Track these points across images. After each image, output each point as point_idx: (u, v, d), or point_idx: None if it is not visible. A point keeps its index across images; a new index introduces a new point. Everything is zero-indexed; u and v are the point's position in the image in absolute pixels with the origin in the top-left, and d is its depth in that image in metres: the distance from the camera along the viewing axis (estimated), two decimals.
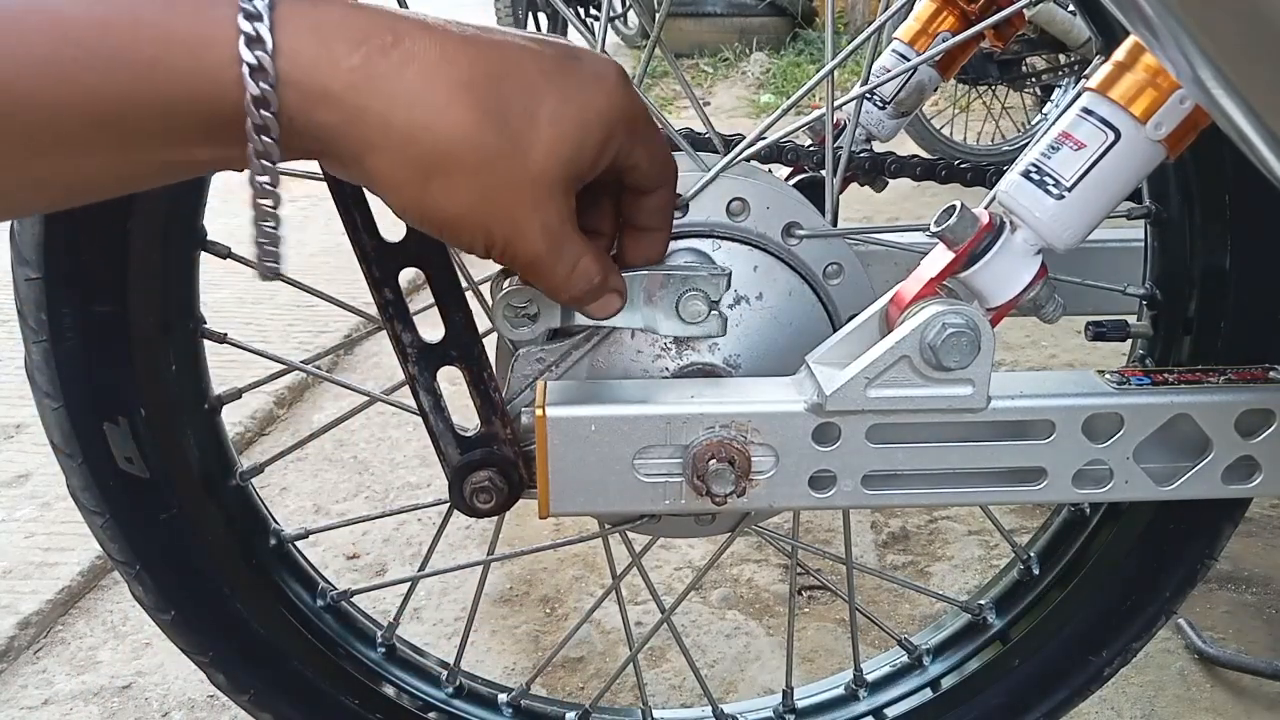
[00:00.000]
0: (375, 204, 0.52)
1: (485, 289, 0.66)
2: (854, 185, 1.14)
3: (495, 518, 0.65)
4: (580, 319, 0.58)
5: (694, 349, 0.63)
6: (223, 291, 2.19)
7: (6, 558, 1.35)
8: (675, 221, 0.63)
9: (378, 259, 0.55)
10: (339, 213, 0.54)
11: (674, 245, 0.63)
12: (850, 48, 0.69)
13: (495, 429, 0.59)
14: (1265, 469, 0.60)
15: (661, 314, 0.58)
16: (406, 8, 0.48)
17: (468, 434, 0.60)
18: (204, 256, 0.68)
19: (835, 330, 0.64)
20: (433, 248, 0.56)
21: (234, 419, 1.63)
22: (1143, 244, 0.73)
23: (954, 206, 0.56)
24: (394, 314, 0.56)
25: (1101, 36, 0.66)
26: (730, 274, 0.58)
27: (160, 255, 0.64)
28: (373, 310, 0.59)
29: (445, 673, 0.83)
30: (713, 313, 0.58)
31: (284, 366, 0.75)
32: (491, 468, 0.60)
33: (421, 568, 0.84)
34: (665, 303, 0.58)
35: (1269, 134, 0.38)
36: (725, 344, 0.63)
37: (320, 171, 0.50)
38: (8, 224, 0.60)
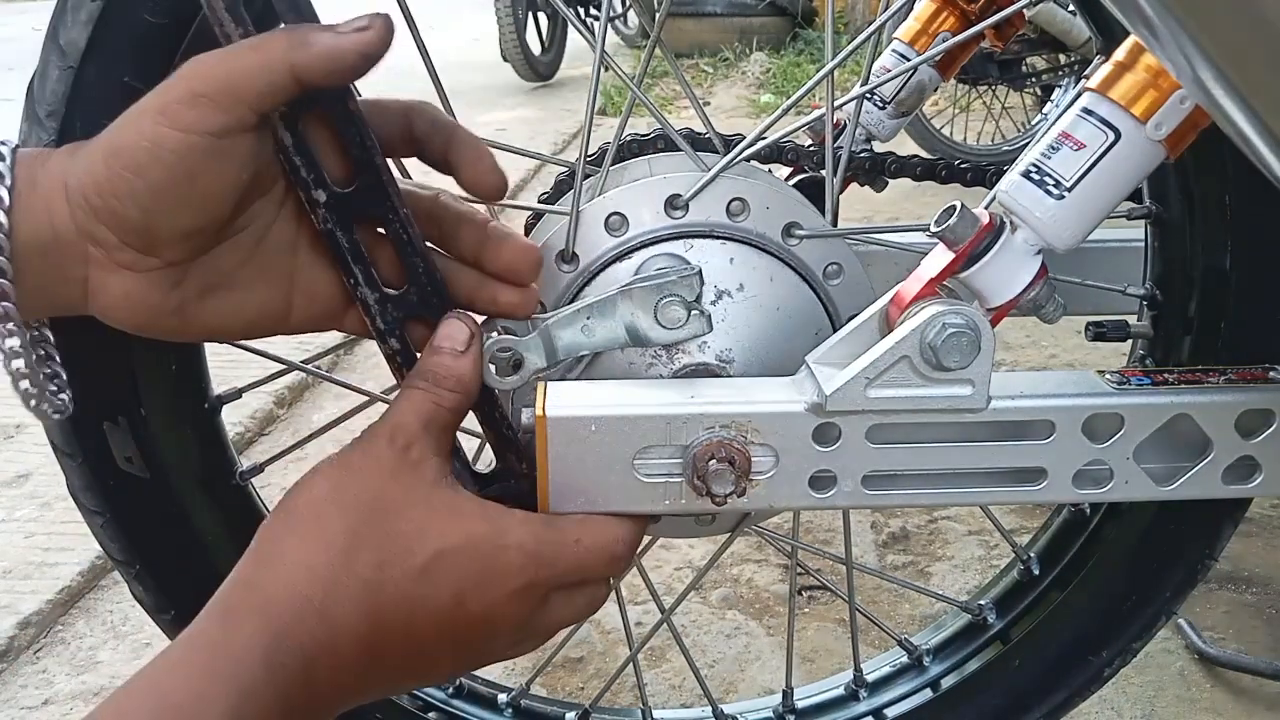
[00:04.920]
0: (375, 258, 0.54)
1: None
2: (854, 185, 1.14)
3: None
4: (567, 349, 0.59)
5: (684, 350, 0.63)
6: None
7: (6, 558, 1.35)
8: (676, 222, 0.63)
9: (380, 311, 0.55)
10: (339, 266, 0.53)
11: (649, 252, 0.63)
12: (850, 48, 0.69)
13: (511, 464, 0.59)
14: (1265, 469, 0.60)
15: (645, 326, 0.58)
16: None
17: (484, 472, 0.60)
18: None
19: (835, 330, 0.64)
20: (435, 296, 0.55)
21: (234, 419, 1.63)
22: (1143, 244, 0.73)
23: (954, 206, 0.56)
24: (403, 363, 0.56)
25: (1101, 36, 0.66)
26: (701, 272, 0.59)
27: None
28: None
29: None
30: (693, 314, 0.58)
31: (284, 366, 0.75)
32: (510, 502, 0.60)
33: None
34: (645, 314, 0.58)
35: (1269, 134, 0.38)
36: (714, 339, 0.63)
37: (321, 224, 0.52)
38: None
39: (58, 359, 0.52)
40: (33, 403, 0.51)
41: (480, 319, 0.57)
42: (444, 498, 0.51)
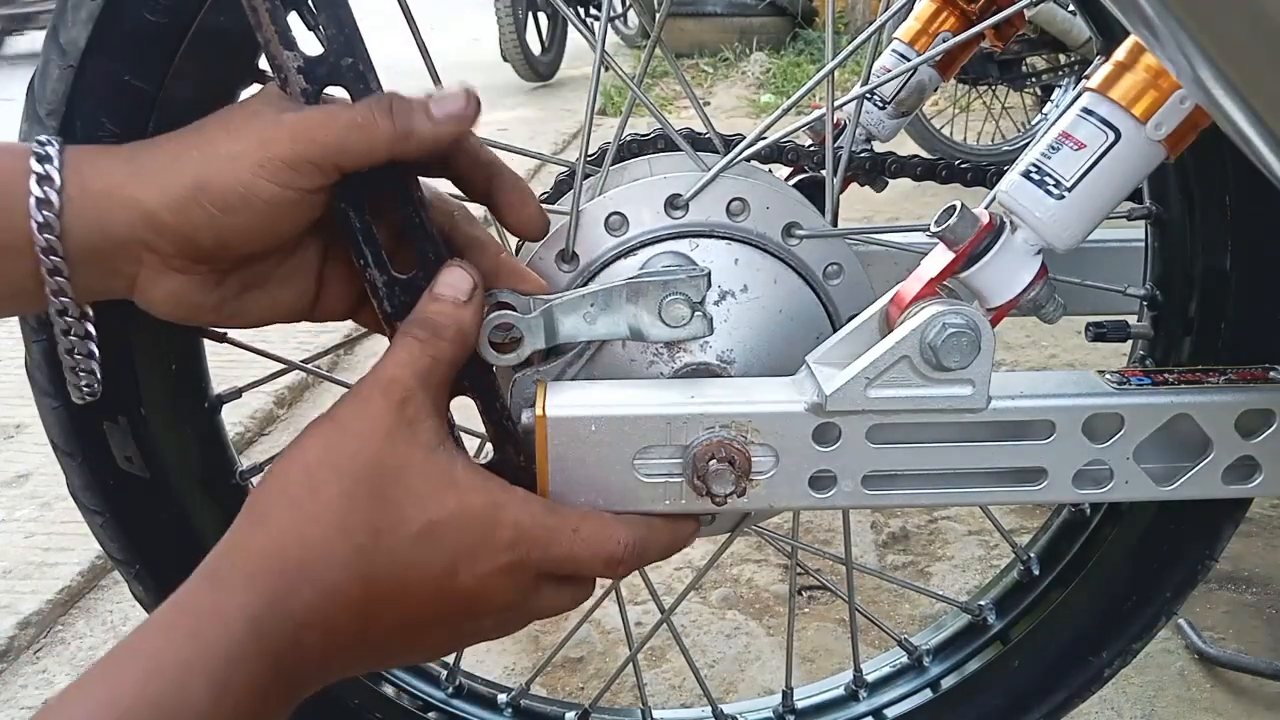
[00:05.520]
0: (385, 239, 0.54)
1: None
2: (854, 185, 1.14)
3: None
4: (567, 335, 0.58)
5: (686, 349, 0.63)
6: None
7: (6, 558, 1.35)
8: (675, 222, 0.63)
9: (389, 294, 0.54)
10: (349, 247, 0.54)
11: (654, 249, 0.63)
12: (850, 48, 0.69)
13: (509, 456, 0.59)
14: (1265, 469, 0.60)
15: (646, 321, 0.58)
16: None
17: (483, 463, 0.60)
18: None
19: (835, 330, 0.64)
20: None
21: (234, 419, 1.63)
22: (1143, 244, 0.73)
23: (954, 206, 0.56)
24: None
25: (1101, 36, 0.66)
26: (709, 274, 0.58)
27: None
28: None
29: (445, 672, 0.83)
30: (696, 314, 0.58)
31: (284, 366, 0.75)
32: None
33: None
34: (649, 309, 0.58)
35: (1269, 134, 0.38)
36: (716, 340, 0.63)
37: (335, 203, 0.52)
38: None
39: (95, 341, 0.53)
40: (79, 388, 0.54)
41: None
42: (441, 465, 0.50)
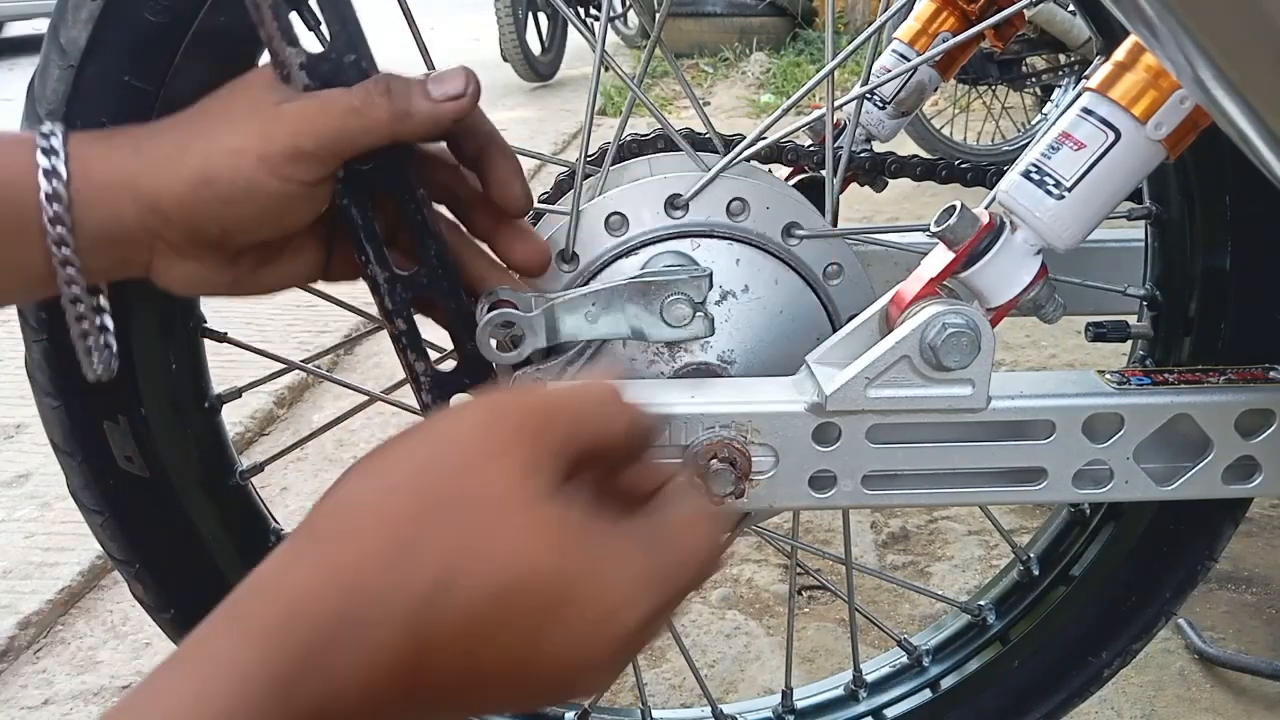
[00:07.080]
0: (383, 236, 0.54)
1: None
2: (854, 185, 1.14)
3: None
4: (568, 334, 0.58)
5: (687, 349, 0.63)
6: None
7: (6, 558, 1.35)
8: (676, 222, 0.63)
9: (389, 290, 0.54)
10: (351, 244, 0.54)
11: (654, 249, 0.63)
12: (850, 48, 0.69)
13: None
14: (1265, 469, 0.60)
15: (648, 321, 0.58)
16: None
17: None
18: None
19: (835, 330, 0.64)
20: (445, 278, 0.55)
21: (234, 418, 1.63)
22: (1143, 244, 0.73)
23: (954, 207, 0.56)
24: (408, 344, 0.56)
25: (1101, 36, 0.66)
26: (711, 274, 0.59)
27: None
28: (373, 310, 0.59)
29: None
30: (697, 314, 0.58)
31: (284, 366, 0.75)
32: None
33: None
34: (650, 309, 0.58)
35: (1269, 134, 0.38)
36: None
37: (338, 199, 0.52)
38: None
39: (109, 316, 0.53)
40: (94, 368, 0.53)
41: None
42: (549, 515, 0.39)
